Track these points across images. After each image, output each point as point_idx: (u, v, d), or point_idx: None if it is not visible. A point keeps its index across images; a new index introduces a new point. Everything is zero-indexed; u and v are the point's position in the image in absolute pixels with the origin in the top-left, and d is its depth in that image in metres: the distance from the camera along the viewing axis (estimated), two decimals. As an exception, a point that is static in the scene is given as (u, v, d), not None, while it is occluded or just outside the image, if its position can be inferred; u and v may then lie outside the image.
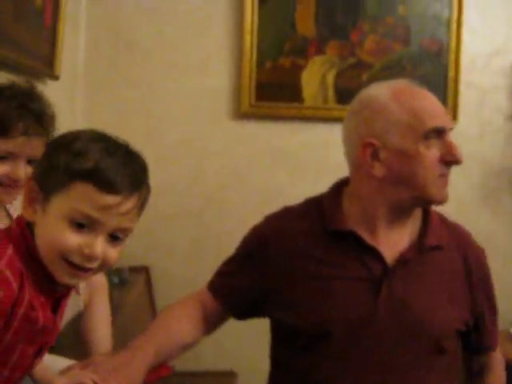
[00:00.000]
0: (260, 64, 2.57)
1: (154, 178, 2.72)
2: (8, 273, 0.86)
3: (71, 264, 0.90)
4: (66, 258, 0.90)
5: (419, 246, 1.33)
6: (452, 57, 2.61)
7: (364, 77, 2.58)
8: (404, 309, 1.28)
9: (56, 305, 0.98)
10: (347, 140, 1.36)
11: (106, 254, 0.92)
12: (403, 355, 1.28)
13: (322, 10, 2.57)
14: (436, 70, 2.62)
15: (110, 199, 0.89)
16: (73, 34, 2.42)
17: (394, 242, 1.33)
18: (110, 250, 0.93)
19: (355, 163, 1.34)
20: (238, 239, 1.54)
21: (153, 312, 2.49)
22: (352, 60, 2.60)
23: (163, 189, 2.61)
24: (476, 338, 1.40)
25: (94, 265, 0.92)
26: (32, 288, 0.90)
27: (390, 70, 2.56)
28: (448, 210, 1.40)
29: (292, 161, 2.66)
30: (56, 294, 0.97)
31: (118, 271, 2.29)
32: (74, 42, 2.48)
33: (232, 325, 1.55)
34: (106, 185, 0.88)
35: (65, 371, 1.15)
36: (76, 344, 1.55)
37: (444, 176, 1.30)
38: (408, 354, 1.28)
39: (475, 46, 2.67)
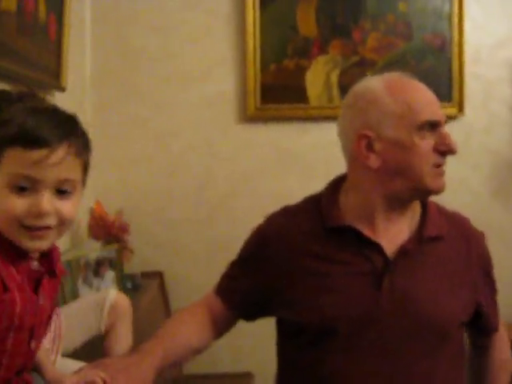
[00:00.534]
0: (264, 67, 2.59)
1: (165, 185, 2.79)
2: None
3: (28, 228, 0.92)
4: (22, 224, 0.92)
5: (419, 238, 1.33)
6: (455, 50, 2.62)
7: (368, 74, 2.58)
8: (407, 300, 1.29)
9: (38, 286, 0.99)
10: (343, 133, 1.37)
11: (59, 209, 0.94)
12: (409, 346, 1.28)
13: (323, 10, 2.59)
14: (440, 63, 2.63)
15: (37, 154, 0.90)
16: (79, 46, 2.46)
17: (393, 234, 1.33)
18: (60, 204, 0.94)
19: (351, 156, 1.35)
20: (249, 244, 1.57)
21: (168, 316, 2.51)
22: (355, 58, 2.61)
23: (174, 195, 2.65)
24: (478, 321, 1.40)
25: (50, 221, 0.93)
26: (4, 267, 0.92)
27: (394, 67, 2.57)
28: (462, 202, 1.41)
29: (301, 162, 2.67)
30: (34, 274, 0.99)
31: (131, 277, 2.32)
32: (81, 54, 2.52)
33: (249, 327, 1.56)
34: (30, 142, 0.90)
35: (76, 372, 1.17)
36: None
37: (439, 166, 1.30)
38: (414, 344, 1.29)
39: (478, 39, 2.67)
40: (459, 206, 1.49)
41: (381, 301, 1.28)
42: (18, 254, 0.96)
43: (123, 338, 1.57)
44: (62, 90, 2.15)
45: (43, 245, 0.96)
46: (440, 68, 2.63)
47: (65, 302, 1.73)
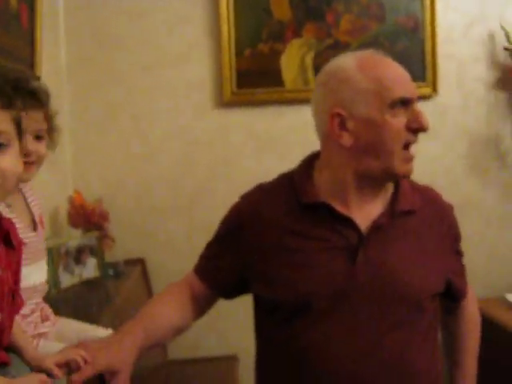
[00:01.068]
0: (239, 52, 2.60)
1: (145, 173, 2.79)
2: None
3: None
4: None
5: (391, 212, 1.35)
6: (428, 30, 2.64)
7: (342, 56, 2.60)
8: (381, 273, 1.31)
9: None
10: (316, 112, 1.38)
11: None
12: (385, 319, 1.30)
13: (296, -7, 2.60)
14: (413, 44, 2.66)
15: None
16: (53, 34, 2.46)
17: (367, 210, 1.35)
18: None
19: (324, 134, 1.36)
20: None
21: (150, 302, 2.53)
22: (329, 41, 2.63)
23: (153, 182, 2.66)
24: (449, 290, 1.42)
25: None
26: None
27: (368, 49, 2.58)
28: (438, 180, 1.44)
29: (278, 145, 2.69)
30: None
31: (114, 264, 2.33)
32: (55, 42, 2.51)
33: (233, 310, 1.58)
34: None
35: (57, 352, 1.19)
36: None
37: (410, 144, 1.31)
38: (387, 317, 1.30)
39: (450, 19, 2.71)
40: (435, 185, 1.51)
41: (355, 275, 1.30)
42: None
43: None
44: (37, 79, 2.14)
45: None
46: (413, 49, 2.66)
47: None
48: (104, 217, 2.44)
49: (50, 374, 1.09)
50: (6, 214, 1.28)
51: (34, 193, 1.47)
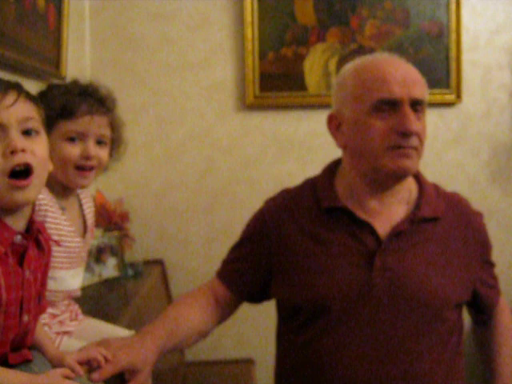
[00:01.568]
0: (262, 55, 2.60)
1: (167, 174, 2.80)
2: None
3: (11, 175, 0.95)
4: (3, 173, 0.94)
5: (413, 218, 1.34)
6: (453, 37, 2.62)
7: (366, 62, 2.59)
8: (398, 279, 1.30)
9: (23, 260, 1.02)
10: None
11: (31, 149, 0.97)
12: (401, 325, 1.29)
13: (321, -2, 2.60)
14: (438, 51, 2.64)
15: None
16: (78, 34, 2.47)
17: (388, 216, 1.35)
18: (30, 143, 0.98)
19: None
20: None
21: (168, 302, 2.53)
22: (353, 46, 2.62)
23: (174, 183, 2.67)
24: (477, 300, 1.41)
25: (26, 159, 0.96)
26: None
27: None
28: (459, 188, 1.43)
29: (300, 149, 2.69)
30: (18, 248, 1.00)
31: (133, 264, 2.34)
32: (80, 42, 2.53)
33: (250, 314, 1.58)
34: None
35: (78, 350, 1.19)
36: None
37: (399, 147, 1.28)
38: (405, 324, 1.29)
39: (476, 25, 2.68)
40: (458, 192, 1.50)
41: (372, 280, 1.30)
42: (1, 228, 0.97)
43: None
44: (62, 78, 2.16)
45: (28, 195, 0.98)
46: (438, 55, 2.64)
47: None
48: (124, 217, 2.45)
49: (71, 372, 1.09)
50: (59, 216, 1.29)
51: (89, 200, 1.49)
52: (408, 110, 1.28)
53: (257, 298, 1.51)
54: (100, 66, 2.63)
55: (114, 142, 1.39)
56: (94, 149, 1.30)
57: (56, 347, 1.19)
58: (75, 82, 1.36)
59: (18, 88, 1.00)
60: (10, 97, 0.97)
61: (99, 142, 1.32)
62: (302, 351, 1.38)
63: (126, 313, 1.84)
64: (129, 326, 1.56)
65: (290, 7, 2.60)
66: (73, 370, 1.09)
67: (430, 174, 1.65)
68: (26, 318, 1.02)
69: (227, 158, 2.68)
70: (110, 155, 1.39)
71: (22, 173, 0.96)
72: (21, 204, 0.99)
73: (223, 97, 2.66)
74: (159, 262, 2.61)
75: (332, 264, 1.34)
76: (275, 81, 2.62)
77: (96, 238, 2.24)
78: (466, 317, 1.47)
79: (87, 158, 1.29)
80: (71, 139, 1.28)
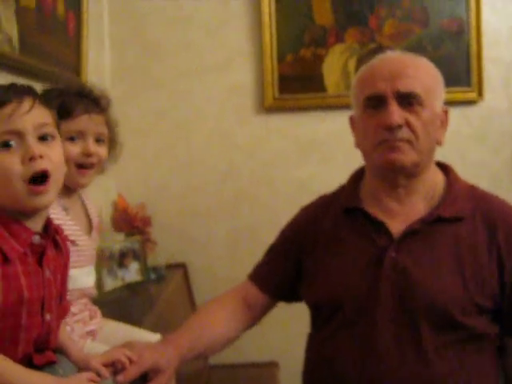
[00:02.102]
0: (281, 57, 2.60)
1: (188, 178, 2.80)
2: None
3: (30, 182, 0.97)
4: (22, 179, 0.96)
5: (430, 218, 1.31)
6: (473, 34, 2.59)
7: (385, 62, 2.58)
8: (407, 280, 1.26)
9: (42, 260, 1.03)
10: None
11: (47, 154, 0.99)
12: (408, 327, 1.26)
13: (338, -2, 2.60)
14: (458, 48, 2.61)
15: (9, 108, 0.96)
16: (97, 41, 2.49)
17: (406, 214, 1.33)
18: (46, 149, 0.99)
19: None
20: (271, 233, 1.60)
21: (191, 306, 2.54)
22: (372, 45, 2.60)
23: (195, 187, 2.67)
24: (504, 310, 1.30)
25: (44, 165, 0.98)
26: (4, 241, 0.96)
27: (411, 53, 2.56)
28: (482, 186, 1.40)
29: (320, 151, 2.68)
30: (37, 248, 1.02)
31: (155, 268, 2.35)
32: (100, 49, 2.55)
33: (274, 317, 1.58)
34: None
35: (103, 353, 1.20)
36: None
37: (387, 141, 1.28)
38: (412, 326, 1.25)
39: (496, 21, 2.65)
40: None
41: (382, 279, 1.28)
42: (20, 229, 0.99)
43: None
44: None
45: (47, 199, 1.00)
46: (458, 53, 2.61)
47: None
48: (146, 221, 2.46)
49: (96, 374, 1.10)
50: (62, 216, 1.32)
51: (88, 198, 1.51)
52: (391, 103, 1.27)
53: (288, 297, 1.51)
54: (119, 72, 2.65)
55: (111, 141, 1.43)
56: (93, 146, 1.34)
57: (80, 350, 1.20)
58: (69, 84, 1.41)
59: (32, 94, 1.01)
60: (26, 103, 0.98)
61: (98, 140, 1.36)
62: (318, 349, 1.38)
63: (149, 317, 1.84)
64: (152, 330, 1.56)
65: (307, 8, 2.60)
66: (98, 373, 1.10)
67: (453, 172, 1.63)
68: (48, 317, 1.03)
69: (248, 161, 2.68)
70: (108, 155, 1.42)
71: (40, 177, 0.98)
72: (39, 208, 1.01)
73: (242, 100, 2.66)
74: (182, 266, 2.62)
75: (345, 264, 1.34)
76: (294, 83, 2.61)
77: (119, 242, 2.26)
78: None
79: (88, 155, 1.33)
80: (71, 138, 1.31)
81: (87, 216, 1.44)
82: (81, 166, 1.33)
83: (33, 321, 1.00)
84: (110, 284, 2.11)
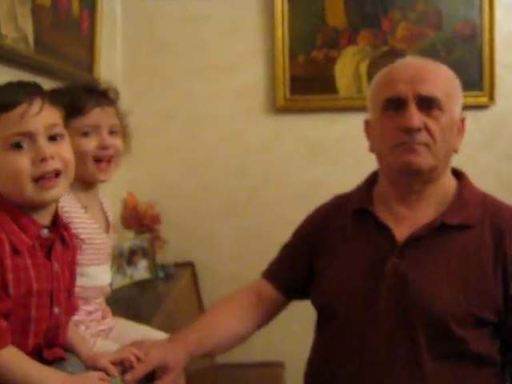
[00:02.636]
0: (293, 58, 2.60)
1: (197, 177, 2.81)
2: None
3: (39, 179, 0.99)
4: (32, 178, 0.98)
5: (435, 225, 1.29)
6: (486, 38, 2.59)
7: (397, 64, 2.58)
8: (406, 287, 1.25)
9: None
10: None
11: (58, 152, 1.01)
12: (404, 336, 1.24)
13: (352, 0, 2.59)
14: (470, 52, 2.60)
15: (20, 110, 0.98)
16: (109, 40, 2.50)
17: (413, 220, 1.32)
18: (57, 148, 1.01)
19: None
20: (279, 233, 1.60)
21: (199, 304, 2.55)
22: (385, 48, 2.60)
23: (205, 186, 2.68)
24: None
25: (56, 165, 1.00)
26: (14, 235, 0.99)
27: (424, 56, 2.56)
28: (492, 192, 1.39)
29: (330, 152, 2.68)
30: (45, 242, 1.04)
31: (164, 266, 2.36)
32: (112, 47, 2.57)
33: (281, 317, 1.59)
34: (8, 106, 0.98)
35: (112, 352, 1.21)
36: None
37: (405, 144, 1.27)
38: (409, 334, 1.24)
39: (509, 26, 2.64)
40: (493, 195, 1.46)
41: (380, 284, 1.27)
42: (29, 222, 1.01)
43: None
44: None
45: (55, 193, 1.02)
46: (470, 57, 2.61)
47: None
48: (156, 219, 2.47)
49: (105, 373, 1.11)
50: (81, 215, 1.32)
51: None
52: (411, 106, 1.27)
53: (300, 294, 1.50)
54: (131, 70, 2.66)
55: (124, 132, 1.43)
56: (109, 138, 1.34)
57: (89, 349, 1.21)
58: (74, 82, 1.42)
59: (41, 93, 1.02)
60: (36, 104, 1.00)
61: (111, 132, 1.36)
62: (319, 351, 1.39)
63: (157, 315, 1.85)
64: (161, 328, 1.57)
65: (320, 10, 2.60)
66: (106, 371, 1.11)
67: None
68: (56, 310, 1.05)
69: (258, 161, 2.68)
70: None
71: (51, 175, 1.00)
72: (48, 202, 1.04)
73: (254, 100, 2.67)
74: (190, 264, 2.63)
75: (348, 266, 1.34)
76: (306, 84, 2.62)
77: (128, 240, 2.27)
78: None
79: (105, 147, 1.33)
80: (85, 134, 1.32)
81: (104, 214, 1.45)
82: (98, 160, 1.33)
83: (42, 313, 1.02)
84: (119, 282, 2.12)
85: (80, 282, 1.24)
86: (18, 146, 0.98)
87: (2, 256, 0.96)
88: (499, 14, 2.60)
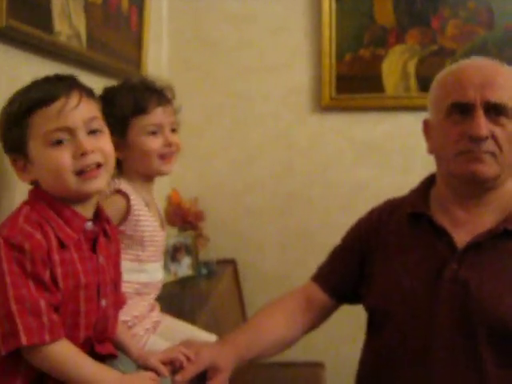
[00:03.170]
0: (340, 56, 2.57)
1: (241, 175, 2.81)
2: (27, 227, 0.96)
3: (79, 173, 1.00)
4: (74, 172, 0.99)
5: (498, 231, 1.26)
6: (540, 37, 2.52)
7: (447, 64, 2.52)
8: (467, 294, 1.22)
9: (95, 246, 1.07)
10: None
11: (98, 146, 1.02)
12: (463, 346, 1.21)
13: (401, -2, 2.55)
14: (523, 52, 2.53)
15: (58, 105, 0.98)
16: (156, 37, 2.51)
17: (473, 225, 1.29)
18: (97, 141, 1.02)
19: None
20: (323, 234, 1.58)
21: (240, 303, 2.55)
22: (433, 47, 2.55)
23: (250, 184, 2.67)
24: None
25: (96, 158, 1.01)
26: (60, 229, 1.00)
27: (472, 56, 2.50)
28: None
29: (376, 152, 2.63)
30: (90, 235, 1.05)
31: (207, 263, 2.36)
32: (159, 44, 2.57)
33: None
34: (46, 101, 0.98)
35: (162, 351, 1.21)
36: None
37: (471, 152, 1.24)
38: (468, 345, 1.21)
39: None
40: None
41: (439, 291, 1.24)
42: (73, 215, 1.02)
43: None
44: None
45: (98, 184, 1.02)
46: (523, 57, 2.54)
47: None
48: (199, 216, 2.47)
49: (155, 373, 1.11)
50: (145, 212, 1.35)
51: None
52: (479, 113, 1.23)
53: (349, 298, 1.48)
54: (177, 67, 2.67)
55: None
56: (172, 136, 1.37)
57: (140, 348, 1.21)
58: (130, 80, 1.43)
59: (78, 87, 1.03)
60: (74, 98, 1.00)
61: (172, 130, 1.40)
62: (372, 356, 1.37)
63: (202, 313, 1.85)
64: (206, 327, 1.57)
65: (368, 8, 2.56)
66: (157, 371, 1.11)
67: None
68: (103, 302, 1.06)
69: (303, 161, 2.66)
70: None
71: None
72: (92, 193, 1.04)
73: (300, 99, 2.64)
74: (231, 262, 2.63)
75: (403, 270, 1.31)
76: (352, 82, 2.58)
77: (172, 236, 2.28)
78: None
79: (169, 145, 1.37)
80: (151, 133, 1.35)
81: (159, 210, 1.48)
82: (163, 157, 1.37)
83: (90, 306, 1.03)
84: (164, 278, 2.12)
85: (139, 278, 1.27)
86: (58, 143, 0.99)
87: (49, 251, 0.97)
88: (554, 13, 2.53)
